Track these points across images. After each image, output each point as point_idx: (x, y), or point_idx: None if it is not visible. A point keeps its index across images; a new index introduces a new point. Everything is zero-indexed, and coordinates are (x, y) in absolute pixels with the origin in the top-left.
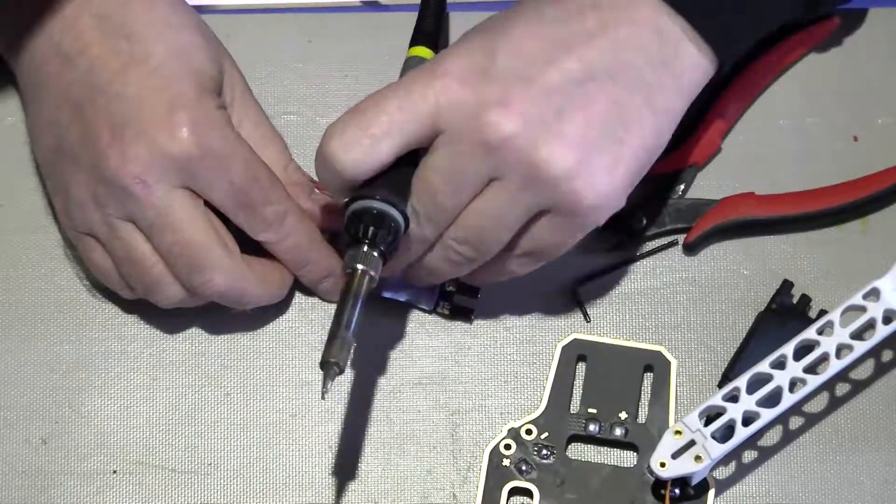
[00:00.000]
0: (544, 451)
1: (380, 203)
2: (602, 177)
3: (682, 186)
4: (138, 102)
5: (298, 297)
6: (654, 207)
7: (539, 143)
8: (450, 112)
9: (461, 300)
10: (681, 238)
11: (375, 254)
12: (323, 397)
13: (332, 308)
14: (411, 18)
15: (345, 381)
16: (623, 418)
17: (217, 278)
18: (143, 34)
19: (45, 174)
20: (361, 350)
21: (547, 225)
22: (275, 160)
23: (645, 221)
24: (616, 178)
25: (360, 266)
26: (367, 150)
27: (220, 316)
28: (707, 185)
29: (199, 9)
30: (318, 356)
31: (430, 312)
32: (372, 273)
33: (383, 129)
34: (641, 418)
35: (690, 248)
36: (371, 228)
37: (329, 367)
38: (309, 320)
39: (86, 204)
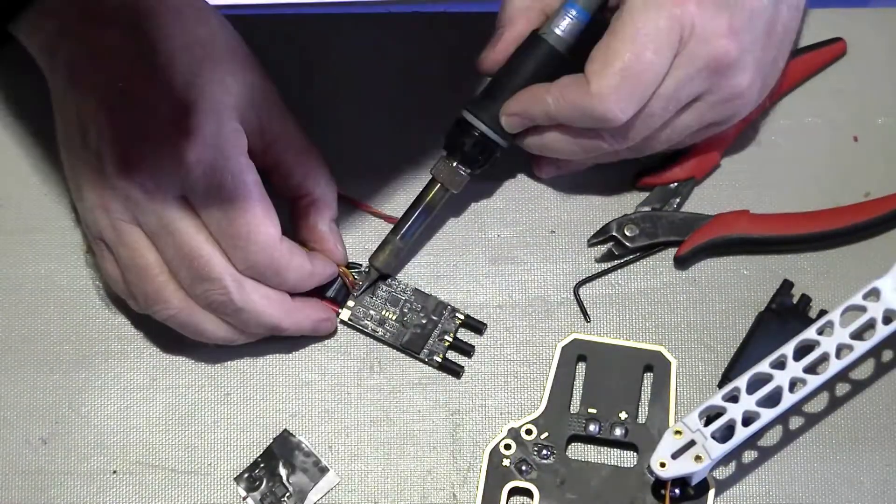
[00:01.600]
0: (544, 451)
1: (487, 128)
2: (762, 96)
3: (679, 200)
4: (153, 109)
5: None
6: (647, 219)
7: (746, 66)
8: (687, 34)
9: (454, 356)
10: (672, 251)
11: (463, 171)
12: (356, 297)
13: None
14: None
15: (344, 380)
16: (623, 418)
17: (220, 287)
18: (169, 46)
19: (69, 178)
20: (361, 350)
21: (702, 133)
22: (310, 187)
23: (637, 232)
24: (764, 95)
25: (442, 178)
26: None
27: None
28: (706, 194)
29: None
30: (318, 356)
31: (422, 361)
32: (452, 189)
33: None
34: (641, 418)
35: (681, 262)
36: (468, 147)
37: (371, 268)
38: None
39: (96, 207)
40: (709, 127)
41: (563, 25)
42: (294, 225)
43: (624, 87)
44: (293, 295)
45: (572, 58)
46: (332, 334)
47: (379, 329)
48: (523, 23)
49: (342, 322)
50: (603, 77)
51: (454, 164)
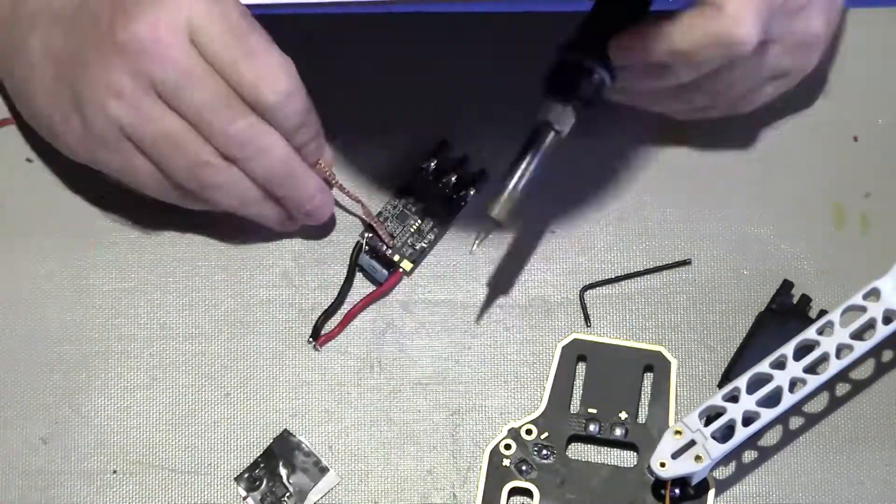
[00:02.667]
0: (544, 451)
1: (592, 62)
2: (825, 47)
3: None
4: None
5: (299, 298)
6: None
7: (821, 11)
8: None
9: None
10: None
11: (570, 112)
12: (471, 251)
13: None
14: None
15: (344, 380)
16: (623, 418)
17: (246, 122)
18: None
19: (51, 111)
20: (361, 350)
21: (772, 86)
22: None
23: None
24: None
25: (550, 120)
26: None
27: (220, 314)
28: (705, 184)
29: None
30: (318, 356)
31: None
32: (561, 130)
33: None
34: (641, 418)
35: None
36: (575, 85)
37: (488, 220)
38: (310, 320)
39: (104, 99)
40: (779, 79)
41: None
42: None
43: (752, 7)
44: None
45: None
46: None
47: (424, 239)
48: None
49: (406, 273)
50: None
51: (562, 106)
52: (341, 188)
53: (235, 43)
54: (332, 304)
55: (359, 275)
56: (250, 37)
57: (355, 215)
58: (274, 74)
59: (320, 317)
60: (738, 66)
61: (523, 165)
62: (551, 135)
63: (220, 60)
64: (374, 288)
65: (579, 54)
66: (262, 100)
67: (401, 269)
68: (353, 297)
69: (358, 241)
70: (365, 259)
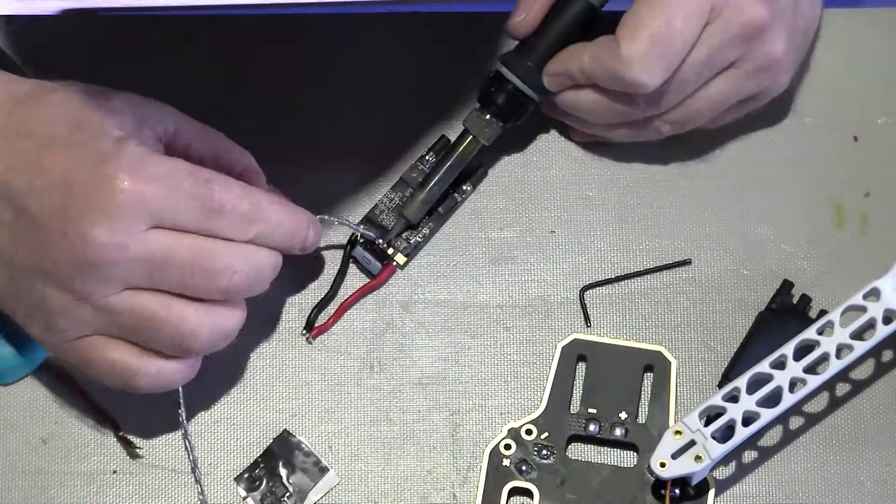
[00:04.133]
0: (544, 451)
1: (521, 82)
2: (796, 66)
3: None
4: (67, 179)
5: (299, 297)
6: None
7: (780, 33)
8: (721, 2)
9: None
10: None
11: (495, 124)
12: (384, 243)
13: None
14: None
15: (344, 380)
16: (623, 418)
17: (235, 264)
18: (38, 125)
19: (11, 310)
20: (361, 350)
21: (738, 106)
22: (234, 160)
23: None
24: (796, 67)
25: (475, 131)
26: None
27: None
28: (706, 184)
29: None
30: (318, 356)
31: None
32: (483, 141)
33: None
34: (641, 418)
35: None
36: (502, 100)
37: (400, 218)
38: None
39: (69, 306)
40: (747, 101)
41: None
42: None
43: (653, 54)
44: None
45: (601, 8)
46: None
47: (421, 233)
48: None
49: (400, 266)
50: (632, 42)
51: (487, 116)
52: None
53: (201, 204)
54: (326, 295)
55: (354, 269)
56: (210, 186)
57: (346, 225)
58: (246, 211)
59: (314, 309)
60: (671, 93)
61: (442, 172)
62: (469, 139)
63: (196, 228)
64: (368, 280)
65: (508, 72)
66: (250, 238)
67: (394, 263)
68: (349, 290)
69: (353, 233)
70: (359, 251)
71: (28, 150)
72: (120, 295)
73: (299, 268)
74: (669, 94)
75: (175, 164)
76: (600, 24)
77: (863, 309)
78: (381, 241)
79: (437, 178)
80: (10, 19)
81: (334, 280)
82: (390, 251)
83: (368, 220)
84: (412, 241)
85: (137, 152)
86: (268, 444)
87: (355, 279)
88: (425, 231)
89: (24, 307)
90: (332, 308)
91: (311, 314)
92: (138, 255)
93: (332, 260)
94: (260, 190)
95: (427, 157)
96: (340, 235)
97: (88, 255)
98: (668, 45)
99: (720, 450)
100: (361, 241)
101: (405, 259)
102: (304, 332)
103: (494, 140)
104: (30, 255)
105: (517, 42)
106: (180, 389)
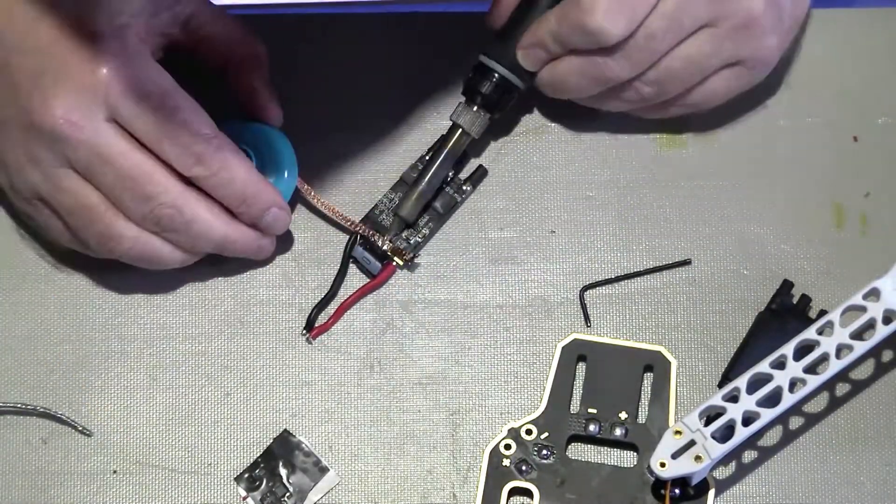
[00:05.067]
0: (544, 451)
1: (502, 68)
2: (783, 30)
3: None
4: (52, 49)
5: (299, 298)
6: None
7: None
8: None
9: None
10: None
11: (483, 115)
12: (383, 245)
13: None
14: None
15: (344, 380)
16: (623, 418)
17: (166, 200)
18: None
19: None
20: (361, 350)
21: (728, 75)
22: (246, 46)
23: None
24: (786, 30)
25: (463, 123)
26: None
27: (220, 314)
28: (704, 193)
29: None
30: (318, 356)
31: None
32: (473, 134)
33: None
34: (641, 418)
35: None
36: (488, 90)
37: (395, 218)
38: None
39: (23, 165)
40: (734, 69)
41: None
42: (231, 92)
43: (614, 1)
44: None
45: None
46: (267, 261)
47: (421, 233)
48: None
49: (400, 266)
50: None
51: (474, 108)
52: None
53: (158, 121)
54: (326, 295)
55: (354, 269)
56: (175, 114)
57: (343, 230)
58: (199, 149)
59: (314, 309)
60: (641, 47)
61: (434, 168)
62: (458, 133)
63: (146, 139)
64: (368, 280)
65: (490, 61)
66: (192, 175)
67: (394, 263)
68: (349, 290)
69: (352, 233)
70: (359, 251)
71: (31, 10)
72: (67, 171)
73: (298, 268)
74: (639, 49)
75: (159, 77)
76: None
77: (863, 309)
78: (382, 244)
79: (428, 175)
80: None
81: (334, 280)
82: (395, 258)
83: (368, 219)
84: (412, 242)
85: (130, 46)
86: (268, 444)
87: (356, 279)
88: (425, 231)
89: None
90: (332, 308)
91: (311, 314)
92: (87, 140)
93: (332, 260)
94: (231, 147)
95: (426, 157)
96: (340, 235)
97: (45, 121)
98: None
99: (720, 450)
100: (361, 240)
101: (405, 259)
102: (305, 331)
103: (483, 132)
104: (2, 107)
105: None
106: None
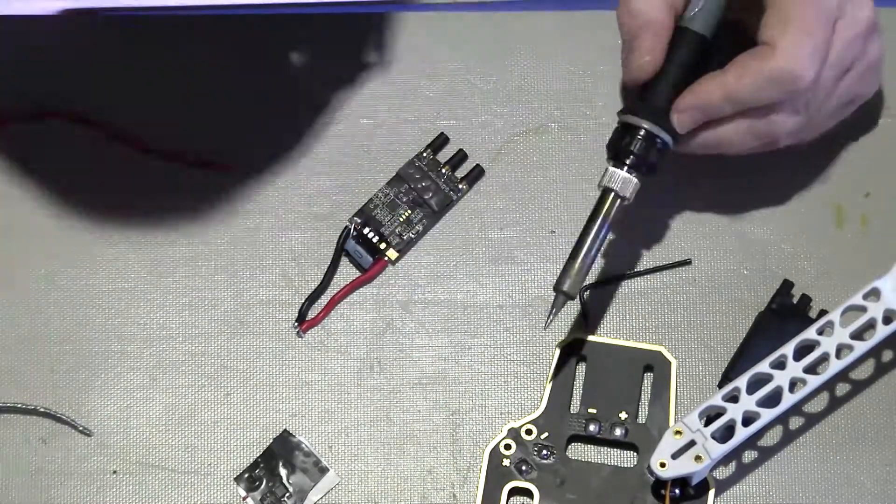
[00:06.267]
0: (544, 451)
1: (654, 126)
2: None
3: None
4: None
5: (299, 298)
6: None
7: (876, 34)
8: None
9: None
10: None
11: (634, 177)
12: (546, 326)
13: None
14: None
15: (344, 380)
16: (623, 418)
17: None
18: None
19: None
20: (360, 350)
21: (844, 111)
22: None
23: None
24: None
25: (612, 186)
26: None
27: (220, 314)
28: (704, 194)
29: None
30: (318, 356)
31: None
32: (627, 198)
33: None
34: (641, 418)
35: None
36: (639, 150)
37: (559, 295)
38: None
39: None
40: (848, 105)
41: (702, 6)
42: None
43: (808, 43)
44: None
45: (715, 43)
46: (267, 261)
47: (415, 229)
48: (664, 18)
49: (391, 262)
50: (786, 35)
51: (624, 170)
52: None
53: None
54: (317, 288)
55: (346, 262)
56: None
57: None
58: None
59: (305, 301)
60: (814, 95)
61: (591, 236)
62: (616, 201)
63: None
64: (359, 274)
65: (637, 119)
66: None
67: (386, 258)
68: (341, 283)
69: (346, 226)
70: (351, 244)
71: None
72: None
73: (298, 268)
74: (814, 96)
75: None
76: (714, 59)
77: (863, 309)
78: (375, 236)
79: (586, 246)
80: (10, 19)
81: (326, 273)
82: (382, 245)
83: (362, 212)
84: (405, 237)
85: None
86: (268, 444)
87: (349, 274)
88: (419, 228)
89: None
90: (324, 301)
91: (302, 306)
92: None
93: (325, 252)
94: None
95: (425, 154)
96: (333, 228)
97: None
98: (820, 35)
99: (720, 450)
100: (354, 234)
101: (397, 255)
102: (296, 324)
103: (635, 193)
104: None
105: (637, 88)
106: None
